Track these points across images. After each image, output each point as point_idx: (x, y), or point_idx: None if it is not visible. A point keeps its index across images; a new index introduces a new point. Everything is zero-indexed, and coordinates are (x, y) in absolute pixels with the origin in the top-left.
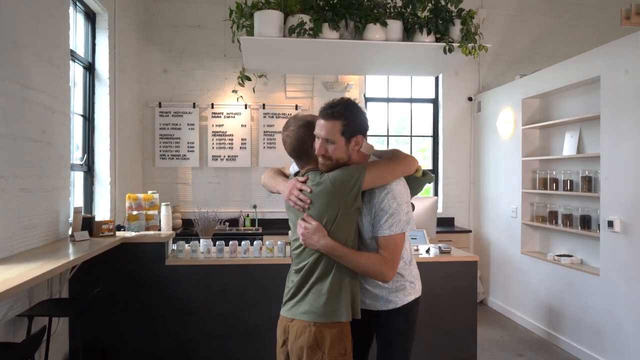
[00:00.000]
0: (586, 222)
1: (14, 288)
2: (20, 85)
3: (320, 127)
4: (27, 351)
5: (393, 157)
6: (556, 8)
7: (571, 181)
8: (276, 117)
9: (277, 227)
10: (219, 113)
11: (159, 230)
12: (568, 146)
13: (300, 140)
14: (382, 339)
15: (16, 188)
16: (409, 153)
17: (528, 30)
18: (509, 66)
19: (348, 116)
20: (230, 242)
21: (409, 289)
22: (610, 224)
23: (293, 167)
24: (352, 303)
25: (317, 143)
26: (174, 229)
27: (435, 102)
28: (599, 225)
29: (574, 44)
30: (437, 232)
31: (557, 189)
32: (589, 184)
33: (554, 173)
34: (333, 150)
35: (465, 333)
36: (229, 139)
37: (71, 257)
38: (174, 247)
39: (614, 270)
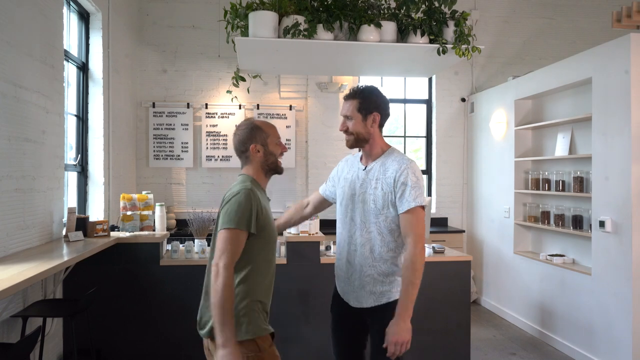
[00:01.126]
0: (578, 222)
1: (9, 289)
2: (14, 85)
3: (342, 107)
4: (23, 352)
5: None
6: (548, 10)
7: (563, 182)
8: (270, 117)
9: None
10: (213, 113)
11: (153, 230)
12: (560, 147)
13: (241, 141)
14: (375, 332)
15: (10, 188)
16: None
17: (520, 32)
18: (501, 67)
19: (363, 95)
20: None
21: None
22: (602, 224)
23: (323, 189)
24: (249, 323)
25: (341, 122)
26: (167, 229)
27: (428, 102)
28: (590, 225)
29: (565, 45)
30: (431, 232)
31: (549, 189)
32: (581, 184)
33: (546, 173)
34: (352, 125)
35: (458, 332)
36: (223, 139)
37: (65, 258)
38: (169, 247)
39: (605, 269)
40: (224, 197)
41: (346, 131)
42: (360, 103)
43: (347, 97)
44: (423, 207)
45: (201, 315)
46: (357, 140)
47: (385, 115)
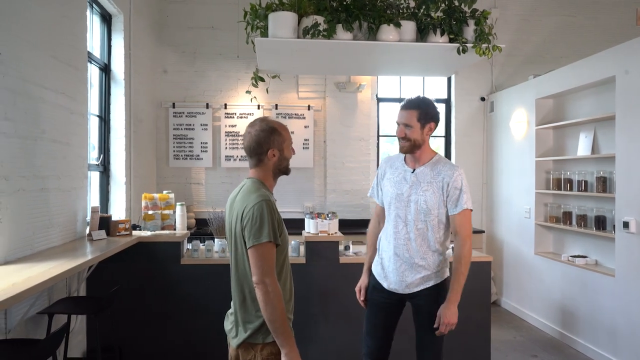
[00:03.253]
0: (601, 222)
1: (36, 286)
2: (40, 86)
3: (401, 116)
4: (50, 348)
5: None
6: (568, 8)
7: (586, 182)
8: (289, 117)
9: (290, 226)
10: (231, 113)
11: (174, 230)
12: (582, 146)
13: (258, 143)
14: (425, 313)
15: (36, 188)
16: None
17: (540, 30)
18: (521, 66)
19: (422, 106)
20: None
21: (444, 267)
22: (626, 224)
23: (380, 200)
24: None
25: (398, 129)
26: (187, 228)
27: (447, 102)
28: (614, 226)
29: (586, 43)
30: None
31: (571, 189)
32: (604, 184)
33: (568, 173)
34: (410, 132)
35: (478, 333)
36: (242, 139)
37: (89, 257)
38: (189, 246)
39: (629, 271)
40: (241, 206)
41: (404, 137)
42: (419, 113)
43: (407, 107)
44: (471, 210)
45: (235, 324)
46: (412, 147)
47: (437, 125)
